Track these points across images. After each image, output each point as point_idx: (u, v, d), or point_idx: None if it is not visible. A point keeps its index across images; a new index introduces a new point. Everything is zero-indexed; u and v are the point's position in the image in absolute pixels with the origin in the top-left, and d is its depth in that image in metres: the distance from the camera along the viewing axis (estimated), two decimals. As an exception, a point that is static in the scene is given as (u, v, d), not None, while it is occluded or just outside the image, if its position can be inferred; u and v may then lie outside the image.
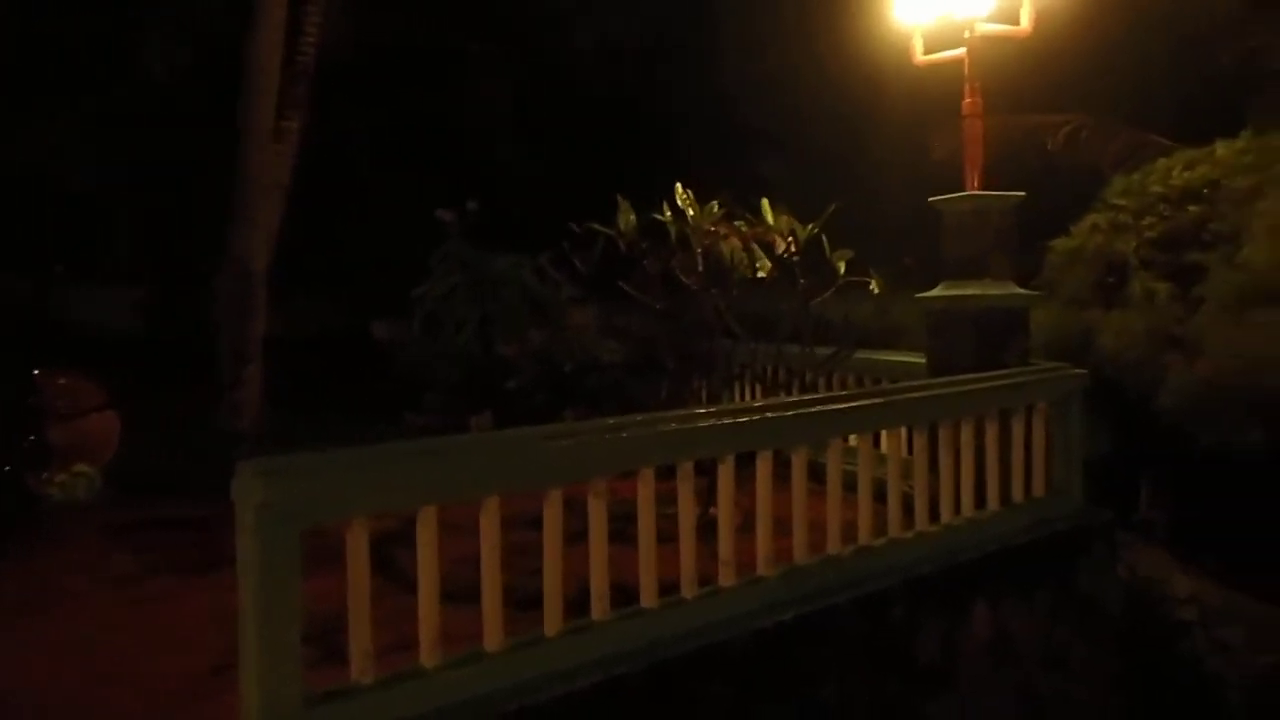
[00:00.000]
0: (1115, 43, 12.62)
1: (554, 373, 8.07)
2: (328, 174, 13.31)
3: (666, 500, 4.66)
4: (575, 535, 4.33)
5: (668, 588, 4.66)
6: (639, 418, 4.62)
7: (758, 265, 7.21)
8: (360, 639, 3.61)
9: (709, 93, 16.79)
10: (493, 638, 3.99)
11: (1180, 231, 8.87)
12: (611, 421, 4.44)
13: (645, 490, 4.48)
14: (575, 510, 4.32)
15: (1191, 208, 8.92)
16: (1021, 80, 11.15)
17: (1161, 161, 9.77)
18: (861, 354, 8.15)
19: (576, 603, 4.35)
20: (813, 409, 5.33)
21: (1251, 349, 7.66)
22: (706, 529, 4.92)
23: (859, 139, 15.44)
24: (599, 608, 4.34)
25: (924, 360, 7.52)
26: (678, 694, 4.42)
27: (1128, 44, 12.76)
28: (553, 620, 4.19)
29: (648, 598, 4.54)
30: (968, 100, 7.52)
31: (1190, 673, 7.94)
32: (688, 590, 4.69)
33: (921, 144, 13.60)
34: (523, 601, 4.27)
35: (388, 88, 15.84)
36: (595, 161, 14.28)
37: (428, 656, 3.80)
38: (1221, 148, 9.33)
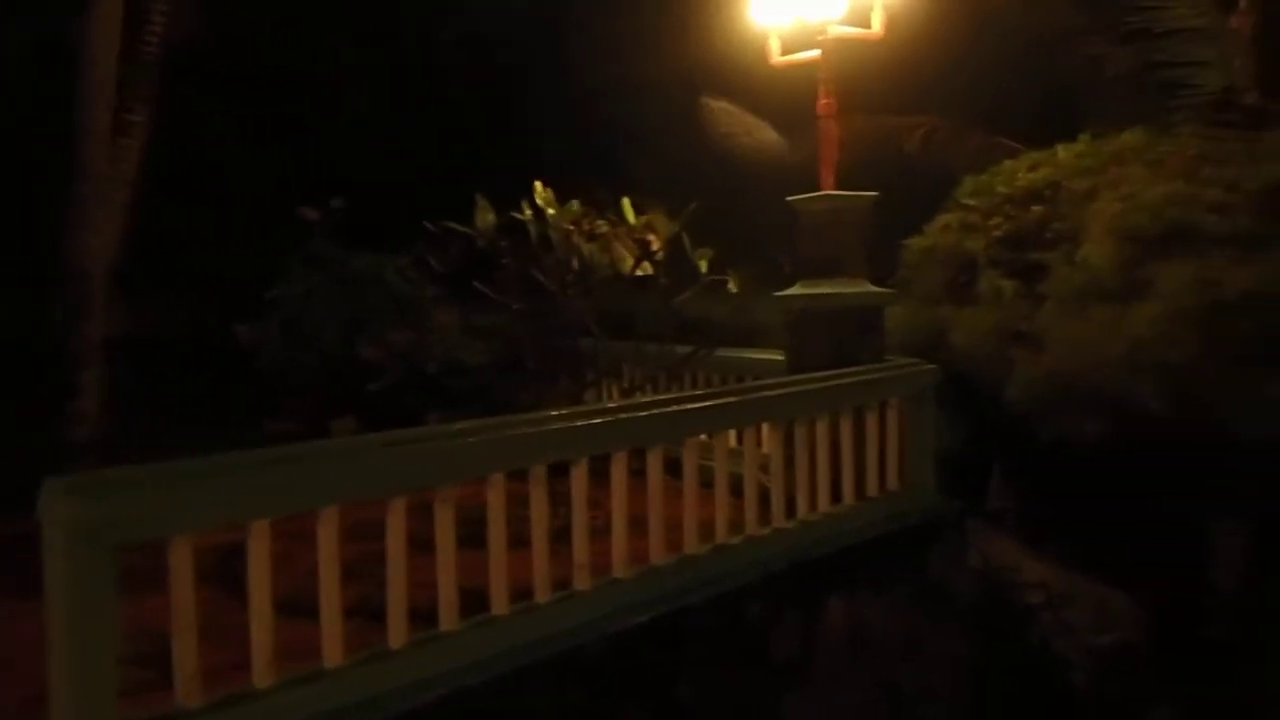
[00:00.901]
0: (968, 48, 13.01)
1: (418, 375, 7.90)
2: (191, 169, 12.76)
3: (526, 503, 4.59)
4: (431, 542, 4.21)
5: (523, 594, 4.59)
6: (489, 422, 4.54)
7: (617, 265, 7.19)
8: (186, 662, 3.42)
9: (576, 91, 16.72)
10: (333, 654, 3.85)
11: (1025, 231, 9.22)
12: (458, 426, 4.34)
13: (495, 496, 4.39)
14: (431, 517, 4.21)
15: (1035, 208, 9.27)
16: (880, 83, 11.40)
17: (1008, 163, 10.15)
18: (724, 352, 8.22)
19: (429, 613, 4.24)
20: (669, 408, 5.33)
21: (1089, 344, 8.01)
22: (568, 533, 4.87)
23: (719, 139, 15.62)
24: (448, 617, 4.23)
25: (784, 358, 7.62)
26: (531, 702, 4.35)
27: (979, 49, 13.18)
28: (398, 632, 4.07)
29: (499, 605, 4.46)
30: (822, 101, 7.65)
31: (1039, 655, 8.26)
32: (542, 595, 4.62)
33: (785, 144, 13.86)
34: (378, 613, 4.13)
35: (249, 81, 15.26)
36: (463, 160, 14.06)
37: (261, 677, 3.63)
38: (1062, 150, 9.75)
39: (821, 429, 6.30)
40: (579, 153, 15.94)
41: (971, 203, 10.01)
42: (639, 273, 7.25)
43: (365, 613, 4.16)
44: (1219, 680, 8.90)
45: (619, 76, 16.04)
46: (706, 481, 5.53)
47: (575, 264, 7.22)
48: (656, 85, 15.67)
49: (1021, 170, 9.90)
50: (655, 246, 7.20)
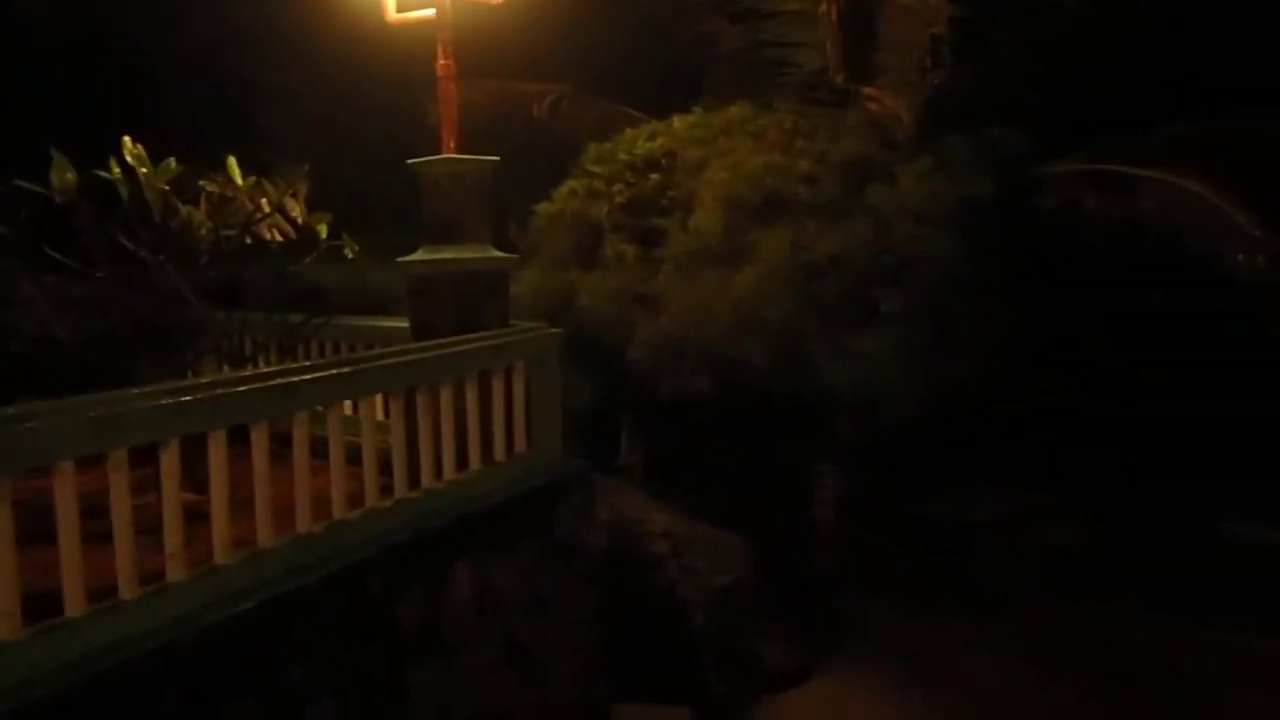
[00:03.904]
0: (594, 18, 13.36)
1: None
2: None
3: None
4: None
5: (109, 591, 4.18)
6: (57, 404, 4.06)
7: (224, 229, 6.69)
8: None
9: (191, 42, 15.36)
10: None
11: (644, 198, 9.67)
12: (13, 411, 3.84)
13: (63, 489, 3.94)
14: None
15: (653, 176, 9.76)
16: (510, 49, 11.42)
17: (629, 131, 10.59)
18: (345, 320, 7.94)
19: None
20: (273, 381, 5.03)
21: (700, 305, 8.55)
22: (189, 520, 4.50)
23: (362, 98, 14.99)
24: (6, 626, 3.76)
25: (408, 325, 7.46)
26: (115, 709, 3.98)
27: (605, 20, 13.57)
28: (-57, 650, 3.56)
29: (74, 606, 4.02)
30: (441, 62, 7.48)
31: (664, 600, 8.77)
32: (127, 592, 4.22)
33: (419, 105, 13.54)
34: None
35: None
36: (51, 115, 12.50)
37: None
38: (678, 121, 10.30)
39: (446, 396, 6.22)
40: (203, 108, 14.73)
41: (596, 169, 10.34)
42: (248, 239, 6.78)
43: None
44: (819, 606, 9.93)
45: (238, 26, 14.95)
46: (328, 455, 5.31)
47: (175, 227, 6.62)
48: (282, 38, 14.74)
49: (642, 139, 10.35)
50: (265, 210, 6.75)
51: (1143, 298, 10.80)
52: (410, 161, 7.35)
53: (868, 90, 10.40)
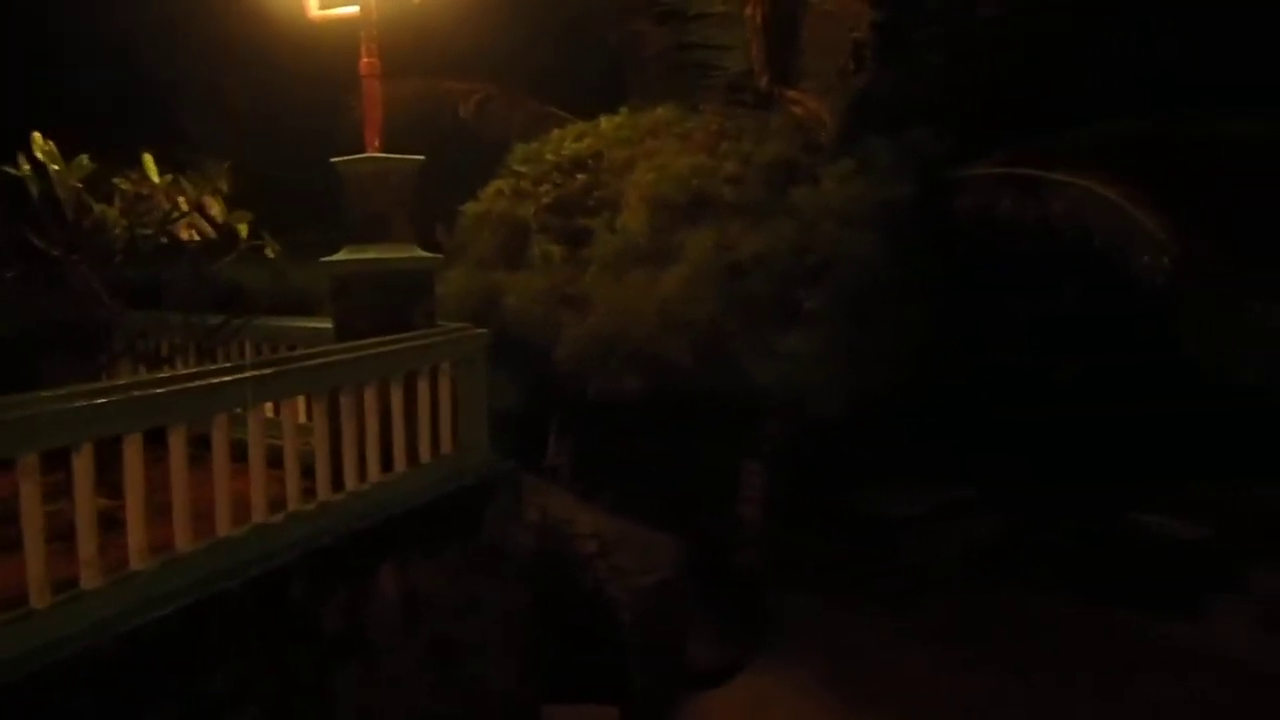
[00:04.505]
0: (520, 18, 13.31)
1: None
2: None
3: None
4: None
5: (19, 601, 4.07)
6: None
7: (140, 228, 6.54)
8: None
9: (104, 34, 14.93)
10: None
11: (571, 198, 9.68)
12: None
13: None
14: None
15: (580, 176, 9.78)
16: (436, 48, 11.34)
17: (556, 132, 10.59)
18: (269, 321, 7.82)
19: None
20: (192, 383, 4.94)
21: (627, 305, 8.59)
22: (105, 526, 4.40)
23: (285, 95, 14.72)
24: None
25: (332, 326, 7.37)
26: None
27: (531, 20, 13.54)
28: None
29: (-19, 617, 3.91)
30: (365, 60, 7.42)
31: (591, 600, 8.79)
32: (39, 600, 4.12)
33: (344, 103, 13.35)
34: None
35: None
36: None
37: None
38: (604, 122, 10.34)
39: (371, 397, 6.17)
40: (117, 103, 14.34)
41: (523, 169, 10.32)
42: (165, 238, 6.63)
43: None
44: (746, 604, 10.03)
45: (155, 20, 14.58)
46: (248, 458, 5.23)
47: (89, 226, 6.45)
48: (202, 32, 14.42)
49: (569, 139, 10.36)
50: (183, 209, 6.61)
51: (1055, 300, 11.13)
52: (334, 160, 7.27)
53: (791, 93, 10.54)
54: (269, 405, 5.70)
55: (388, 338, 6.56)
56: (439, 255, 7.80)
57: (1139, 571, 11.06)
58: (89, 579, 4.33)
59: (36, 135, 6.33)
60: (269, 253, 6.73)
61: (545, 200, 9.83)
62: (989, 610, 10.83)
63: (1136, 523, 11.76)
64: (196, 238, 6.93)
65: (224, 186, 7.04)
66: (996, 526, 12.17)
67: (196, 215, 6.95)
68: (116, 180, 6.75)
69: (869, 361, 8.67)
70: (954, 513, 12.35)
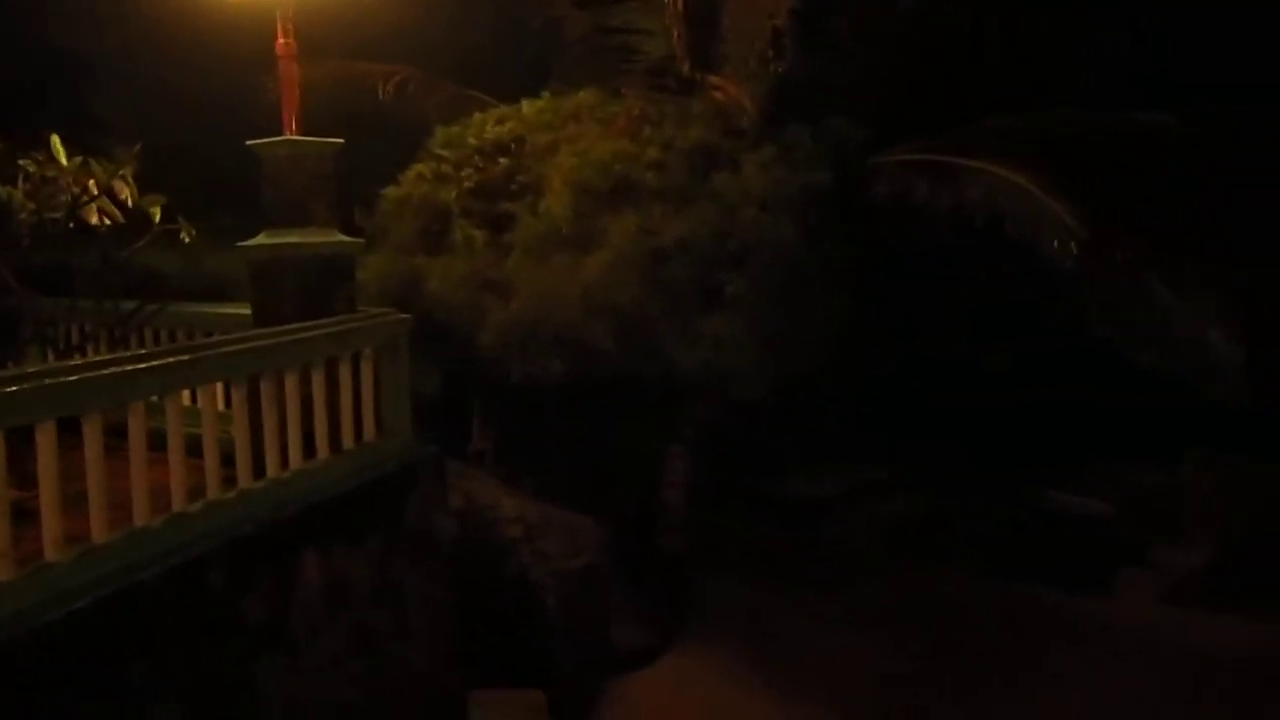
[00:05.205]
0: (440, 1, 13.14)
1: None
2: None
3: None
4: None
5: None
6: None
7: (48, 212, 6.35)
8: None
9: (13, 6, 14.32)
10: None
11: (493, 182, 9.63)
12: None
13: None
14: None
15: (502, 160, 9.72)
16: (355, 30, 11.13)
17: (478, 116, 10.50)
18: (186, 307, 7.66)
19: None
20: (107, 370, 4.83)
21: (550, 290, 8.59)
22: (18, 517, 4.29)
23: (203, 77, 14.31)
24: None
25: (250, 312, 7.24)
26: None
27: (451, 3, 13.37)
28: None
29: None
30: (281, 41, 7.27)
31: (516, 585, 8.81)
32: (-53, 596, 4.01)
33: (260, 85, 13.05)
34: None
35: None
36: None
37: None
38: (526, 106, 10.28)
39: (291, 384, 6.09)
40: (23, 84, 13.78)
41: (444, 153, 10.23)
42: (73, 224, 6.44)
43: None
44: (670, 586, 10.15)
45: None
46: (166, 447, 5.13)
47: (-8, 210, 6.25)
48: (112, 11, 13.94)
49: (490, 123, 10.29)
50: (92, 192, 6.43)
51: (972, 285, 11.41)
52: (250, 143, 7.13)
53: (713, 79, 10.59)
54: (187, 393, 5.61)
55: (308, 324, 6.47)
56: (359, 240, 7.71)
57: (1052, 550, 11.45)
58: (1, 571, 4.21)
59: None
60: (184, 237, 6.58)
61: (467, 184, 9.75)
62: (909, 591, 11.12)
63: (1051, 502, 12.16)
64: (106, 222, 6.75)
65: (134, 170, 6.86)
66: (917, 506, 12.50)
67: (106, 199, 6.77)
68: (23, 162, 6.55)
69: (791, 346, 8.80)
70: (875, 496, 12.64)
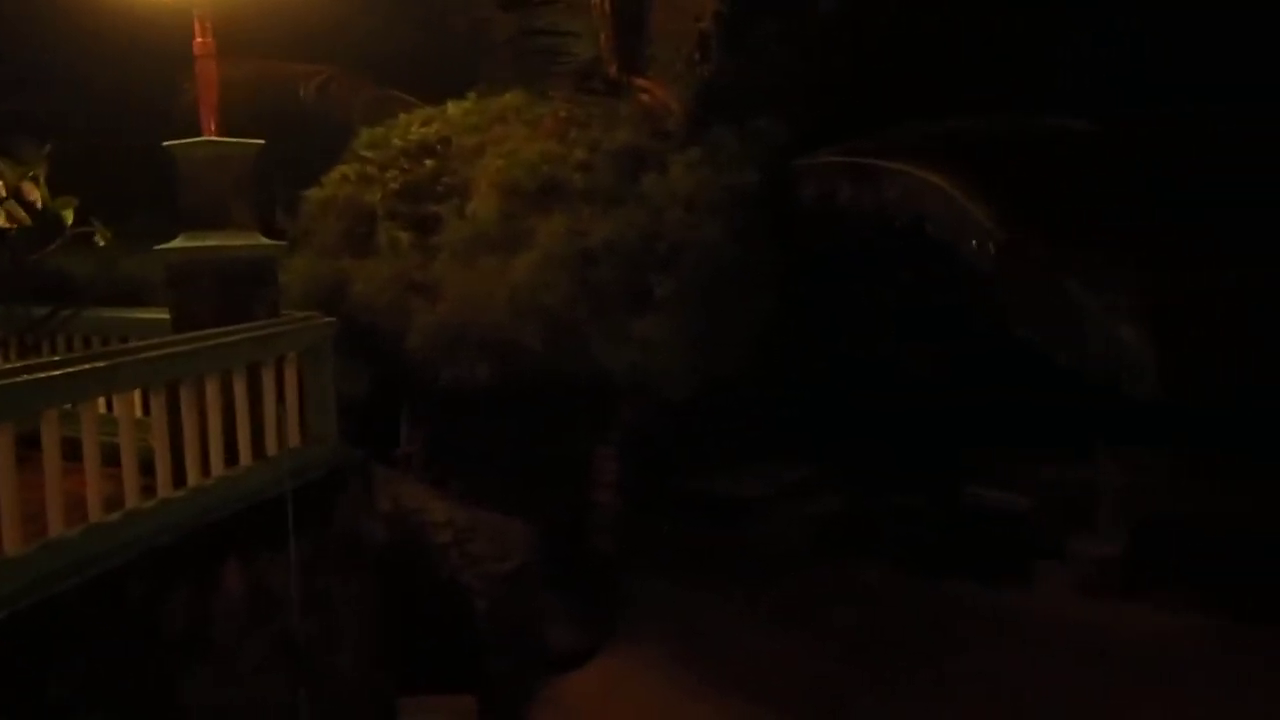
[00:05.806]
0: (363, 1, 12.95)
1: None
2: None
3: None
4: None
5: None
6: None
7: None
8: None
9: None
10: None
11: (419, 184, 9.54)
12: None
13: None
14: None
15: (428, 162, 9.63)
16: (275, 29, 10.94)
17: (403, 117, 10.39)
18: (101, 312, 7.47)
19: None
20: (18, 378, 4.70)
21: (478, 292, 8.54)
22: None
23: (119, 75, 13.89)
24: None
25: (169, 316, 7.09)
26: None
27: (374, 2, 13.19)
28: None
29: None
30: (199, 40, 7.15)
31: (446, 589, 8.75)
32: None
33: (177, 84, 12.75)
34: None
35: None
36: None
37: None
38: (452, 107, 10.20)
39: (212, 390, 5.97)
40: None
41: (369, 154, 10.10)
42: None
43: None
44: (601, 588, 10.17)
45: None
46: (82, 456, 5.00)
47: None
48: (18, 5, 13.48)
49: (415, 124, 10.19)
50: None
51: (896, 287, 11.61)
52: (167, 144, 6.98)
53: (640, 81, 10.61)
54: (102, 400, 5.48)
55: (229, 328, 6.37)
56: (282, 243, 7.61)
57: (974, 545, 11.73)
58: (-95, 588, 4.08)
59: None
60: (99, 240, 6.42)
61: (393, 186, 9.64)
62: (835, 587, 11.29)
63: (971, 499, 12.44)
64: (14, 225, 6.57)
65: (45, 171, 6.68)
66: (842, 503, 12.69)
67: (13, 202, 6.58)
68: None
69: (718, 347, 8.85)
70: (802, 495, 12.80)
